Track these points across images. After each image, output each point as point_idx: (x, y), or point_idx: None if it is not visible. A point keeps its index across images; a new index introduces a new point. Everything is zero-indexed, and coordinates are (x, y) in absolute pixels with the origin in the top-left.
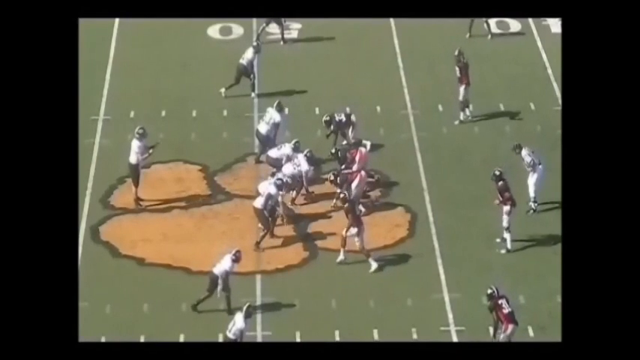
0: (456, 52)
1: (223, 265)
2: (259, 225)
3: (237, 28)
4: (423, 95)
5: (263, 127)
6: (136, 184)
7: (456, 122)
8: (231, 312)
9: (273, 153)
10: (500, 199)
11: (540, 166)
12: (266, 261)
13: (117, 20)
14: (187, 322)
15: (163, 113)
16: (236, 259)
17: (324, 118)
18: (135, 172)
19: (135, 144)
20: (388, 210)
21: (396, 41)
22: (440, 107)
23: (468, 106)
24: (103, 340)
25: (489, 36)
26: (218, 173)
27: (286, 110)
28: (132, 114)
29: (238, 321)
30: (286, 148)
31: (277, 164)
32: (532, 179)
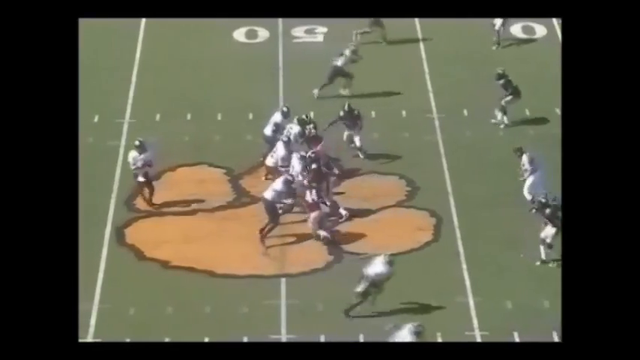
0: (499, 72)
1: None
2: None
3: (262, 31)
4: (448, 99)
5: (268, 129)
6: (148, 188)
7: (492, 120)
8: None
9: (269, 161)
10: (554, 224)
11: (538, 173)
12: (290, 264)
13: (143, 20)
14: (211, 325)
15: (189, 116)
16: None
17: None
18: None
19: (131, 155)
20: (412, 213)
21: (421, 45)
22: (465, 111)
23: (505, 113)
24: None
25: (495, 46)
26: (243, 176)
27: (290, 115)
28: (157, 117)
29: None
30: (280, 150)
31: (275, 172)
32: (526, 185)
